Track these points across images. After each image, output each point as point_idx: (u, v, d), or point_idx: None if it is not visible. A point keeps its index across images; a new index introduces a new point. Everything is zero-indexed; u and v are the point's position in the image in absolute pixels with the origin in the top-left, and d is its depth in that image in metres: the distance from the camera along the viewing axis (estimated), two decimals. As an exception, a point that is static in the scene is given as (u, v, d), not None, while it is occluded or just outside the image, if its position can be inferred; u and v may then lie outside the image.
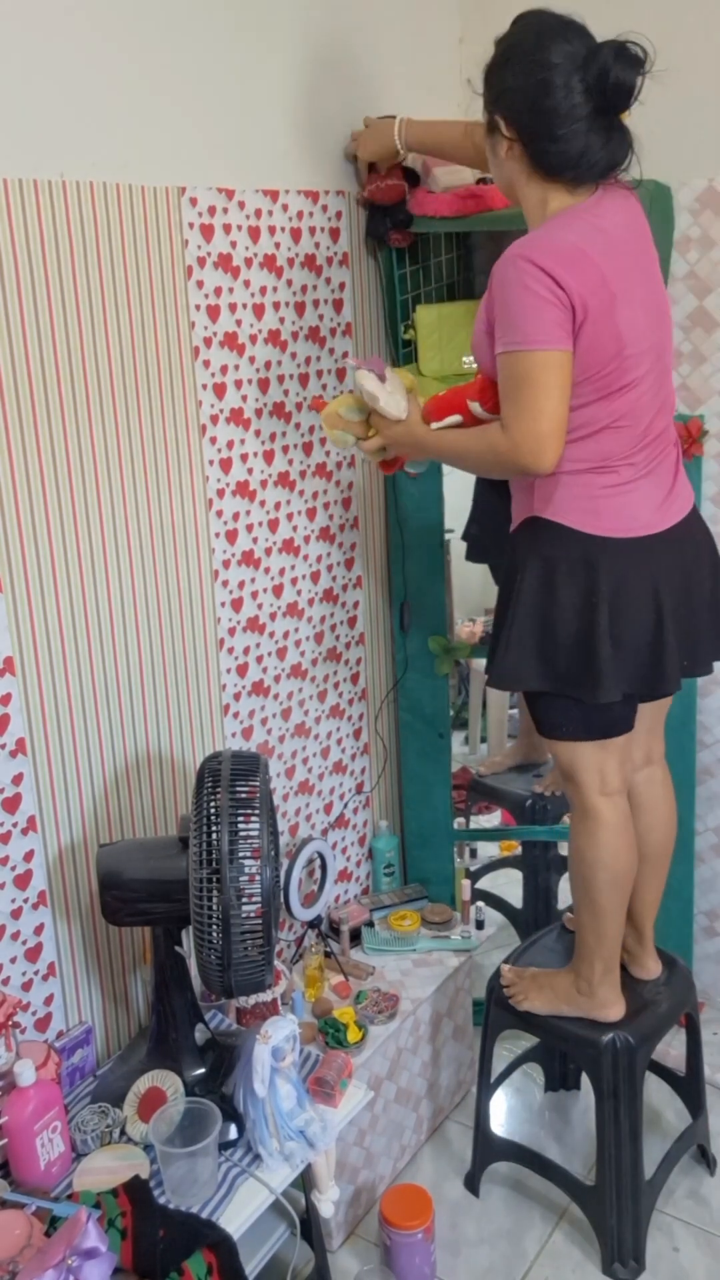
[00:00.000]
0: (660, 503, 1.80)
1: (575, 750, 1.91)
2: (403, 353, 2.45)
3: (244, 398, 2.12)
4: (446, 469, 2.52)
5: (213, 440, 2.07)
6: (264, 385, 2.17)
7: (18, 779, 1.80)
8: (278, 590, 2.29)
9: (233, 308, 2.06)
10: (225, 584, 2.15)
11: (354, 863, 2.68)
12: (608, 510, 1.76)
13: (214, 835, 1.61)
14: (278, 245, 2.14)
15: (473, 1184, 2.28)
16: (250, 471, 2.16)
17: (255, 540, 2.20)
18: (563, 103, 1.63)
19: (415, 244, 2.40)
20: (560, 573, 1.80)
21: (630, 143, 1.71)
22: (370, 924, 2.51)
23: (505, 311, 1.66)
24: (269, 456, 2.21)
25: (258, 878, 1.61)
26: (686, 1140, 2.26)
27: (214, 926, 1.61)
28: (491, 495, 2.19)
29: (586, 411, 1.72)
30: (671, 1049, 2.48)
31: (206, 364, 2.02)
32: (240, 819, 1.62)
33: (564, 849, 2.79)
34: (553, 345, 1.64)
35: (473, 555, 2.50)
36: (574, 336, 1.65)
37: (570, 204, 1.71)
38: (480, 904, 2.86)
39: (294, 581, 2.33)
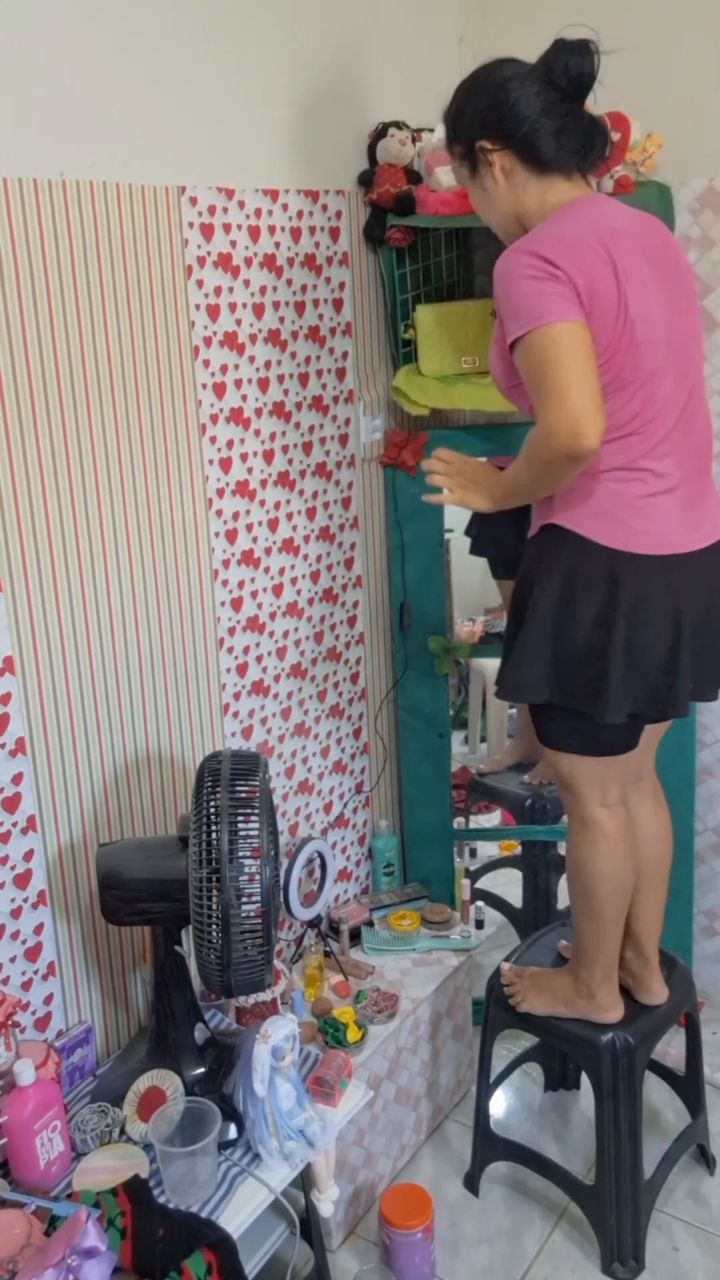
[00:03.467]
0: (692, 522, 1.75)
1: (577, 763, 1.90)
2: (402, 352, 2.44)
3: (244, 397, 2.12)
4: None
5: (212, 440, 2.07)
6: (264, 385, 2.17)
7: (17, 778, 1.80)
8: (277, 590, 2.29)
9: (233, 307, 2.06)
10: (225, 583, 2.15)
11: (353, 862, 2.68)
12: (634, 524, 1.71)
13: (214, 835, 1.61)
14: (277, 245, 2.14)
15: (472, 1183, 2.28)
16: (250, 471, 2.17)
17: (255, 540, 2.21)
18: (529, 98, 1.71)
19: (415, 244, 2.40)
20: (579, 585, 1.75)
21: (607, 131, 1.76)
22: (370, 923, 2.51)
23: (507, 303, 1.65)
24: (269, 456, 2.21)
25: (257, 877, 1.61)
26: (686, 1140, 2.26)
27: (214, 926, 1.61)
28: None
29: (605, 405, 1.66)
30: (671, 1048, 2.48)
31: (206, 363, 2.02)
32: (240, 818, 1.62)
33: (564, 849, 2.80)
34: (561, 317, 1.59)
35: (476, 549, 2.49)
36: (584, 311, 1.62)
37: (572, 196, 1.74)
38: (480, 904, 2.86)
39: (294, 581, 2.33)
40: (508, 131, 1.73)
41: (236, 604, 2.19)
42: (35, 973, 1.88)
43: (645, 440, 1.70)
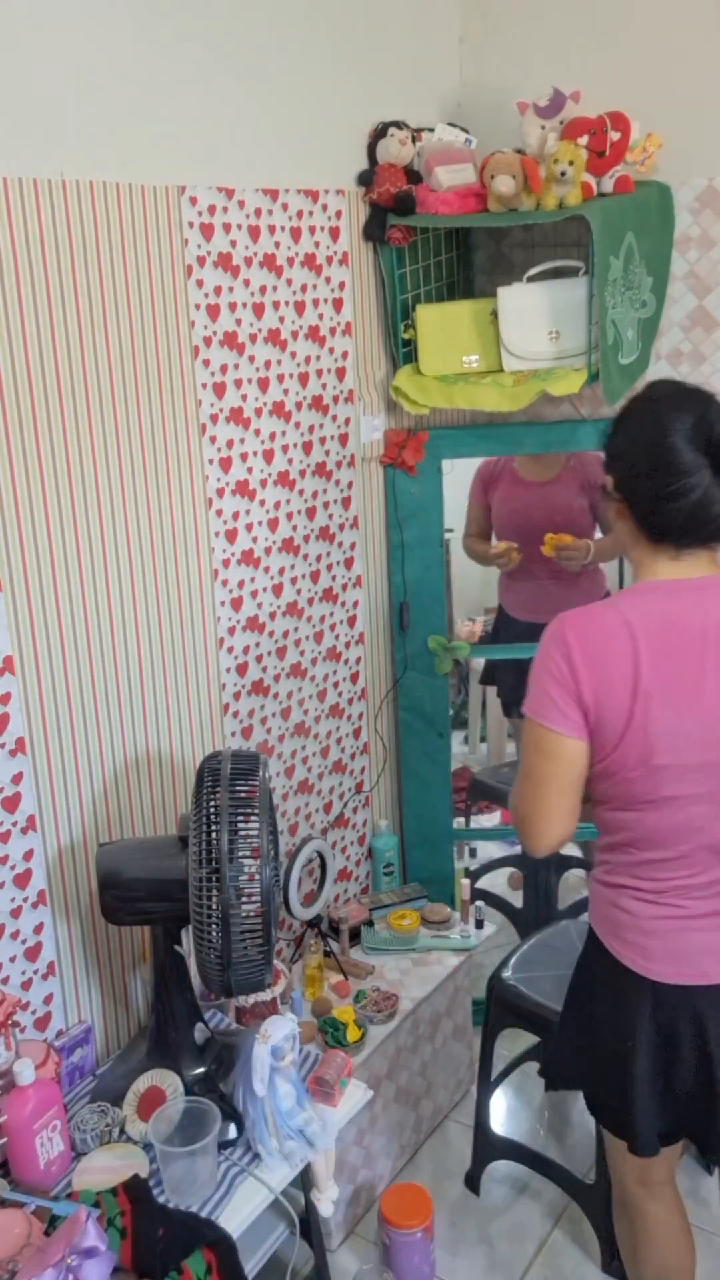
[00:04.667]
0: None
1: (606, 1134, 1.74)
2: (402, 352, 2.45)
3: (244, 397, 2.12)
4: (446, 468, 2.53)
5: (212, 440, 2.07)
6: (264, 385, 2.17)
7: (17, 778, 1.80)
8: (277, 590, 2.29)
9: (232, 307, 2.06)
10: (225, 583, 2.15)
11: (353, 862, 2.68)
12: (639, 943, 1.55)
13: (213, 834, 1.61)
14: (277, 244, 2.14)
15: (473, 1182, 2.28)
16: (250, 471, 2.17)
17: (255, 539, 2.21)
18: (669, 466, 1.47)
19: (415, 243, 2.40)
20: (596, 987, 1.63)
21: None
22: (370, 923, 2.51)
23: (532, 670, 1.54)
24: (269, 456, 2.21)
25: (257, 877, 1.61)
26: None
27: (213, 926, 1.61)
28: None
29: (615, 816, 1.55)
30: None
31: (206, 363, 2.03)
32: (240, 818, 1.62)
33: (565, 848, 2.79)
34: (551, 725, 1.49)
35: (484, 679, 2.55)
36: (588, 728, 1.49)
37: (664, 578, 1.52)
38: (480, 903, 2.86)
39: (294, 581, 2.33)
40: (631, 491, 1.53)
41: (236, 604, 2.19)
42: (35, 972, 1.88)
43: (663, 866, 1.53)
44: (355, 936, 2.47)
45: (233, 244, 2.04)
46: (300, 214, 2.19)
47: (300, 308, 2.22)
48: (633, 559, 1.58)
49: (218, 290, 2.03)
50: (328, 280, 2.29)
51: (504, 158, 2.20)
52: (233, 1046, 1.87)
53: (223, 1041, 1.90)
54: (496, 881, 2.94)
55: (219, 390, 2.06)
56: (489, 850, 3.02)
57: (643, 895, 1.55)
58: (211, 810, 1.63)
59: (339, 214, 2.29)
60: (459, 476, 2.60)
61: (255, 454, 2.17)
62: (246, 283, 2.08)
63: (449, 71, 2.58)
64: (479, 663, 2.99)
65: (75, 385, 1.79)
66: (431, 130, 2.37)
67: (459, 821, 2.75)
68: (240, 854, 1.61)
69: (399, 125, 2.31)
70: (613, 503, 1.57)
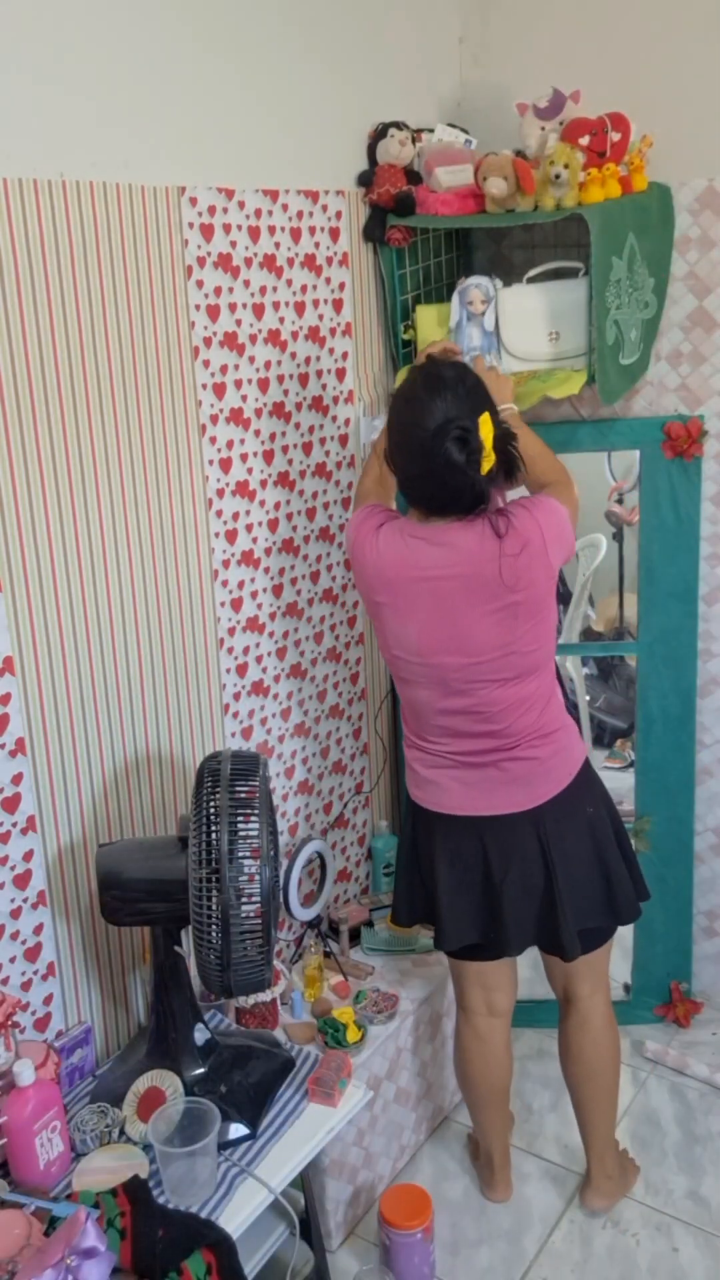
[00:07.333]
0: (475, 794, 1.93)
1: (447, 962, 2.15)
2: (403, 352, 2.45)
3: (244, 398, 2.12)
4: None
5: (212, 440, 2.07)
6: (264, 385, 2.17)
7: (17, 779, 1.80)
8: (277, 590, 2.29)
9: (233, 307, 2.06)
10: (225, 584, 2.15)
11: (353, 863, 2.68)
12: (418, 783, 1.99)
13: (213, 835, 1.61)
14: (277, 245, 2.14)
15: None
16: (250, 471, 2.17)
17: (255, 540, 2.21)
18: (410, 455, 1.78)
19: (415, 244, 2.40)
20: (416, 831, 2.05)
21: (482, 493, 1.76)
22: (370, 924, 2.51)
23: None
24: (269, 456, 2.21)
25: (257, 878, 1.61)
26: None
27: (213, 926, 1.61)
28: None
29: (398, 686, 1.97)
30: (671, 1049, 2.48)
31: (206, 364, 2.03)
32: (240, 819, 1.62)
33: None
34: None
35: None
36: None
37: (413, 530, 1.84)
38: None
39: (293, 581, 2.33)
40: (392, 462, 1.84)
41: (236, 604, 2.19)
42: (35, 973, 1.88)
43: (418, 721, 1.96)
44: (355, 937, 2.47)
45: (233, 245, 2.04)
46: (300, 215, 2.19)
47: (300, 308, 2.23)
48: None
49: (218, 291, 2.03)
50: (328, 281, 2.29)
51: (496, 160, 2.20)
52: (233, 1048, 1.87)
53: (223, 1042, 1.89)
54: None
55: (219, 391, 2.06)
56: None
57: (413, 743, 1.99)
58: (211, 811, 1.63)
59: (339, 215, 2.29)
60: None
61: (255, 455, 2.17)
62: (246, 283, 2.09)
63: (449, 72, 2.58)
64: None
65: (75, 385, 1.79)
66: (431, 131, 2.37)
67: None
68: (240, 855, 1.61)
69: (399, 126, 2.31)
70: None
